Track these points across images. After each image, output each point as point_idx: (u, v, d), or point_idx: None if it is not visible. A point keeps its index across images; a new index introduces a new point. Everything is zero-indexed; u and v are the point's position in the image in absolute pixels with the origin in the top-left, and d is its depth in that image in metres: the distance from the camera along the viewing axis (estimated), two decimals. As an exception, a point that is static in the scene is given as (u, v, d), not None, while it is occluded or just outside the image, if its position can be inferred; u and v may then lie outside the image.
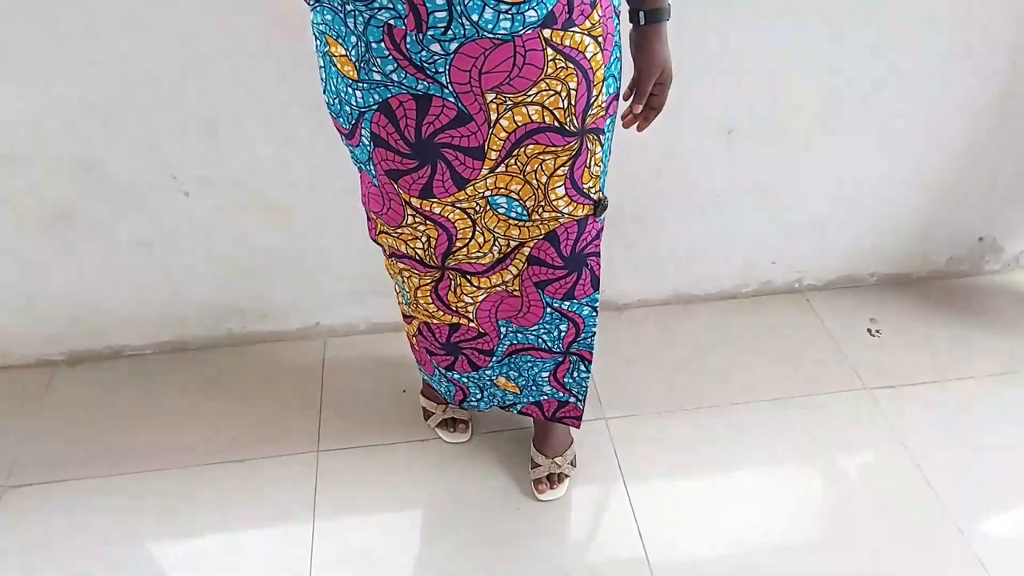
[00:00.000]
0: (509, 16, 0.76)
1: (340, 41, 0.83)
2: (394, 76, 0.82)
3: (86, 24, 1.16)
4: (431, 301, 1.13)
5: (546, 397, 1.29)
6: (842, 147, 1.53)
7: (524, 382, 1.28)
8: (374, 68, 0.82)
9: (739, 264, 1.72)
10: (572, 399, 1.29)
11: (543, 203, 0.96)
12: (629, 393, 1.55)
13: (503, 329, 1.18)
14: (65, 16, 1.15)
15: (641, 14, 0.92)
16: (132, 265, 1.48)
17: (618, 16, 0.89)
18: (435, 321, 1.18)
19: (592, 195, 0.98)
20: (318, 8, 0.83)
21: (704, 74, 1.37)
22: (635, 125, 1.01)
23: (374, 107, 0.86)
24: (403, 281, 1.13)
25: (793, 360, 1.63)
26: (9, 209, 1.36)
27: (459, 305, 1.13)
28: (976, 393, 1.55)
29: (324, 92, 0.93)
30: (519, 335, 1.19)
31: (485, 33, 0.77)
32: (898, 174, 1.61)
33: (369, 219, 1.09)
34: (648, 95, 0.97)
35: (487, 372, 1.27)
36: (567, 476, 1.36)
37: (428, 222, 0.98)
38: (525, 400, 1.31)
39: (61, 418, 1.51)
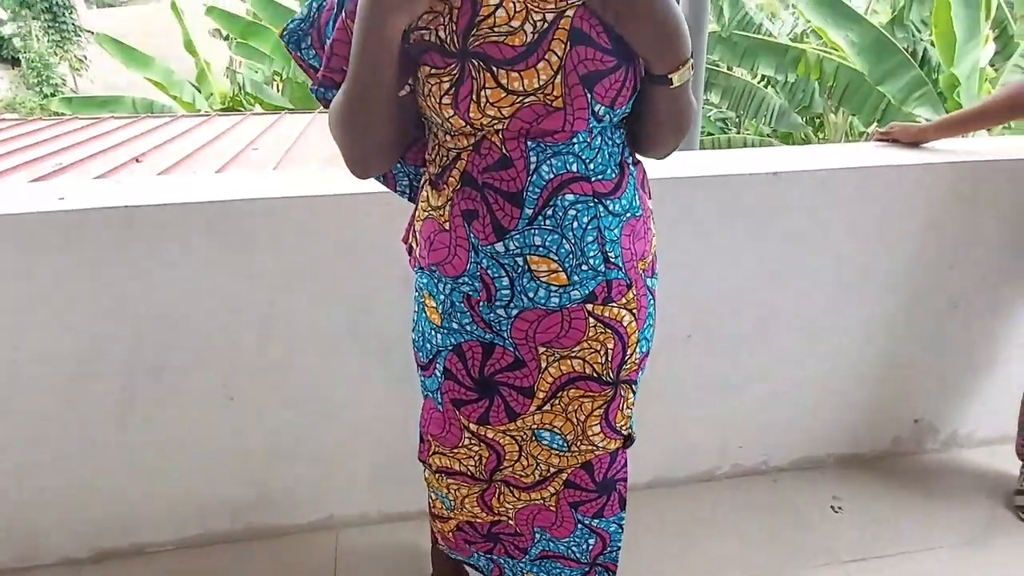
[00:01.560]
0: (557, 294, 1.00)
1: (432, 296, 1.08)
2: (468, 327, 1.06)
3: (194, 269, 1.48)
4: (476, 505, 1.26)
5: None
6: (786, 347, 1.84)
7: None
8: (454, 319, 1.06)
9: (710, 449, 1.93)
10: None
11: (581, 438, 1.13)
12: (628, 573, 1.66)
13: (537, 535, 1.29)
14: (162, 257, 1.46)
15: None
16: (167, 463, 1.64)
17: (652, 295, 1.11)
18: (478, 520, 1.31)
19: (623, 432, 1.15)
20: (422, 272, 1.11)
21: (666, 292, 1.70)
22: None
23: (450, 348, 1.08)
24: (449, 492, 1.26)
25: (769, 538, 1.77)
26: (74, 417, 1.56)
27: (501, 510, 1.26)
28: (944, 563, 1.69)
29: (413, 331, 1.16)
30: (551, 543, 1.30)
31: (539, 305, 1.01)
32: (836, 369, 1.90)
33: (423, 441, 1.24)
34: None
35: (520, 565, 1.36)
36: None
37: (482, 443, 1.15)
38: None
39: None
